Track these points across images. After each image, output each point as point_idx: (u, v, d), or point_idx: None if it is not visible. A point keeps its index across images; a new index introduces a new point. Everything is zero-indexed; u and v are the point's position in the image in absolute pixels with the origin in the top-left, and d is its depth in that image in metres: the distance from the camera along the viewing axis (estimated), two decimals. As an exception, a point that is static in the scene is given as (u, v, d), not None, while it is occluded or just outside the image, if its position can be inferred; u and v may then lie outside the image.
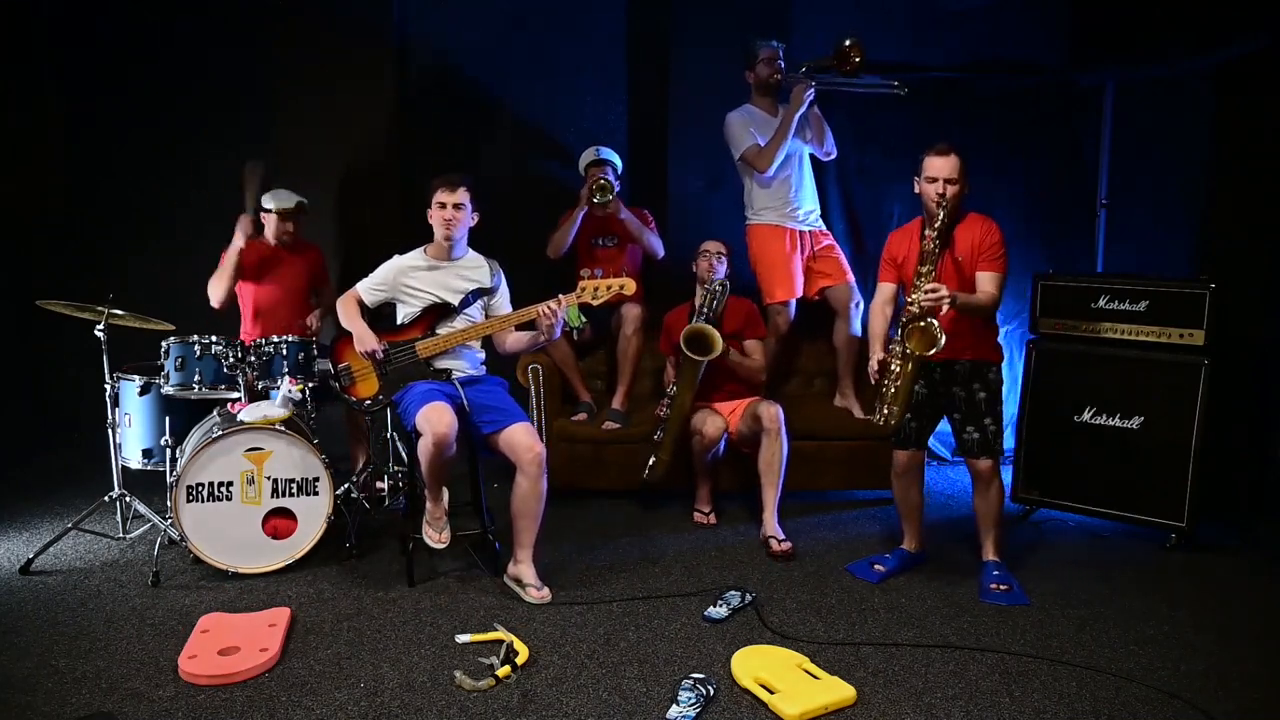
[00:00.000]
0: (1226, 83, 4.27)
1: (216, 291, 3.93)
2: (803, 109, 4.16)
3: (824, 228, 4.44)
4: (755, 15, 4.68)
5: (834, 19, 4.67)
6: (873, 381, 3.27)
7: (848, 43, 4.04)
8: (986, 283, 3.21)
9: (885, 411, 3.19)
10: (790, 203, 4.29)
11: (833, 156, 4.43)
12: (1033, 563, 3.50)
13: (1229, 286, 3.62)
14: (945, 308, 3.03)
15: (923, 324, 3.06)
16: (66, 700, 2.53)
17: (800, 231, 4.33)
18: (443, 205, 3.35)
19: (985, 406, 3.27)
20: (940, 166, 3.15)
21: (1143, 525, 3.74)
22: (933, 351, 3.04)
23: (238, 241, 3.88)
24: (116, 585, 3.28)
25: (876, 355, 3.30)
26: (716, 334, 3.73)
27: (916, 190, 3.24)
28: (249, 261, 3.95)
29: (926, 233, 3.18)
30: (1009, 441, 4.16)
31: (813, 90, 4.15)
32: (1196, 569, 3.49)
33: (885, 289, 3.43)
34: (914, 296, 3.11)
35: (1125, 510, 3.76)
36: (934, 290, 3.03)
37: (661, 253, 4.43)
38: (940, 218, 3.13)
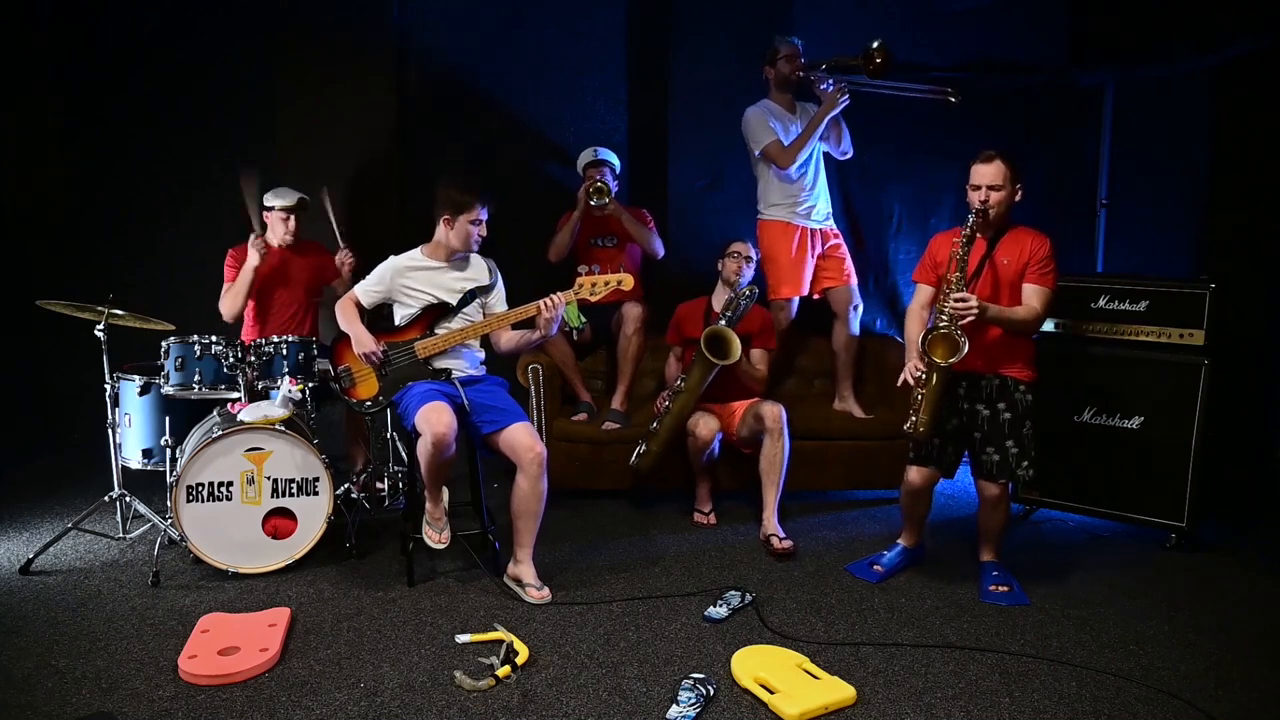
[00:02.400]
0: (1226, 83, 4.27)
1: (230, 307, 3.91)
2: (835, 112, 4.15)
3: (835, 228, 4.43)
4: (756, 15, 4.68)
5: (835, 19, 4.68)
6: (899, 386, 3.18)
7: (875, 45, 4.01)
8: (1031, 296, 3.12)
9: (914, 419, 3.11)
10: (803, 201, 4.28)
11: (849, 156, 4.42)
12: (1033, 563, 3.50)
13: (1229, 286, 3.62)
14: (971, 317, 2.98)
15: (944, 331, 3.02)
16: (66, 700, 2.53)
17: (811, 229, 4.32)
18: (478, 222, 3.36)
19: (1009, 428, 3.17)
20: (983, 173, 3.08)
21: (1143, 525, 3.74)
22: (953, 360, 2.99)
23: (253, 260, 3.85)
24: (116, 585, 3.28)
25: (911, 363, 3.17)
26: (737, 341, 3.71)
27: (969, 199, 3.14)
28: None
29: (954, 240, 3.12)
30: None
31: (848, 97, 4.14)
32: (1196, 569, 3.49)
33: (924, 292, 3.32)
34: (943, 305, 3.05)
35: (1125, 510, 3.76)
36: (962, 300, 2.98)
37: (661, 253, 4.43)
38: (970, 224, 3.07)
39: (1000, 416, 3.19)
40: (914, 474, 3.32)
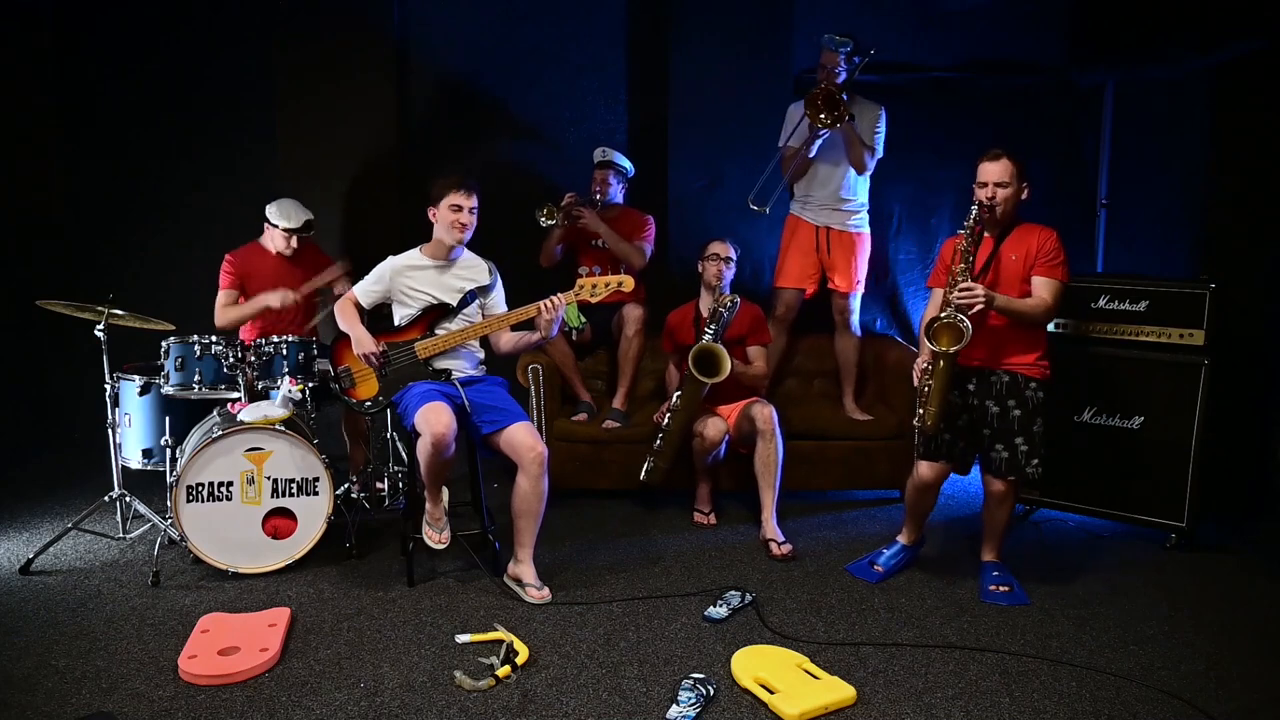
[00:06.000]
0: (1225, 83, 4.27)
1: (227, 319, 3.89)
2: (809, 153, 4.11)
3: (857, 229, 4.29)
4: (756, 15, 4.68)
5: (835, 19, 4.66)
6: (915, 384, 3.16)
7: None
8: (1041, 288, 3.11)
9: (921, 412, 3.11)
10: (819, 200, 4.25)
11: (866, 173, 4.31)
12: (1033, 563, 3.49)
13: (1229, 286, 3.62)
14: (979, 306, 2.96)
15: (947, 320, 3.00)
16: (66, 700, 2.53)
17: (824, 229, 4.27)
18: (458, 208, 3.32)
19: (1019, 425, 3.15)
20: (990, 171, 3.10)
21: (1143, 525, 3.74)
22: (957, 348, 2.97)
23: (272, 302, 3.81)
24: (116, 585, 3.28)
25: (919, 359, 3.17)
26: (726, 356, 3.68)
27: (975, 197, 3.14)
28: (251, 271, 3.93)
29: (959, 232, 3.11)
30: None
31: (817, 146, 4.10)
32: (1196, 569, 3.48)
33: (939, 295, 3.24)
34: (948, 295, 3.04)
35: (1125, 510, 3.76)
36: (967, 289, 2.97)
37: (641, 262, 4.30)
38: (973, 216, 3.06)
39: (1010, 414, 3.17)
40: (924, 468, 3.29)
